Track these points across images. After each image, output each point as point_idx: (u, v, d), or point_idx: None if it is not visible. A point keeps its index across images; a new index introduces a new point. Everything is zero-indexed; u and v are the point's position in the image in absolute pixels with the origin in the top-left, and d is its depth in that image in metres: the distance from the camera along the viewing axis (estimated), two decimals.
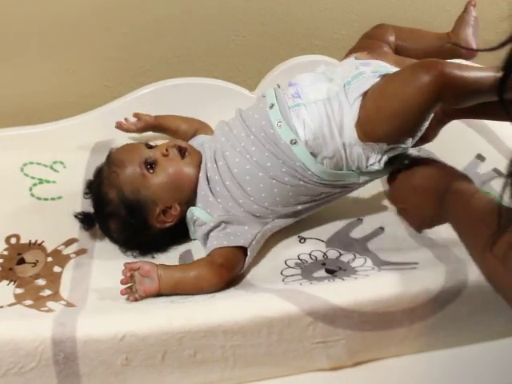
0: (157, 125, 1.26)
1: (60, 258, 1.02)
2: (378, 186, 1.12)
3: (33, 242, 1.06)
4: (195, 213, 1.01)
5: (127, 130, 1.26)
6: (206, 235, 0.99)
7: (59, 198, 1.16)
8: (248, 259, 0.97)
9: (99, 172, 1.05)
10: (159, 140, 1.21)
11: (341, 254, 1.00)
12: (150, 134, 1.27)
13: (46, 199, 1.16)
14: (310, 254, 1.01)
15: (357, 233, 1.05)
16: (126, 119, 1.26)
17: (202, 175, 1.03)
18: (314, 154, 0.97)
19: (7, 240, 1.06)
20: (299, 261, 0.99)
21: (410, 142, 0.94)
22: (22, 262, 1.01)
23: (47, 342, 0.78)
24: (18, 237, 1.06)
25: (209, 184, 1.02)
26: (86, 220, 1.05)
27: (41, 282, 0.97)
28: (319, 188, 0.99)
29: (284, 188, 0.99)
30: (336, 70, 1.02)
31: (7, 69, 1.40)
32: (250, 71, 1.51)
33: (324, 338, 0.85)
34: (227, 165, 1.01)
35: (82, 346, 0.79)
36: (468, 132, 1.24)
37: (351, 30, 1.51)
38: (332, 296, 0.84)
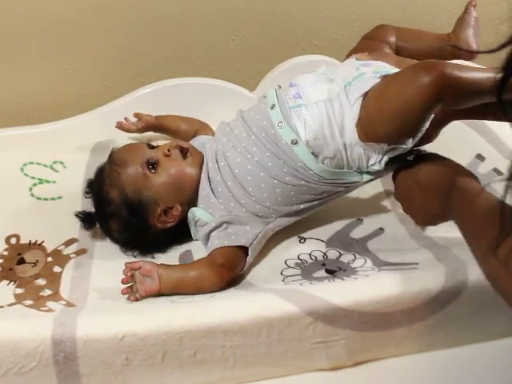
0: (157, 125, 1.26)
1: (60, 258, 1.02)
2: (378, 186, 1.13)
3: (33, 242, 1.06)
4: (196, 213, 1.01)
5: (128, 130, 1.26)
6: (208, 235, 0.99)
7: (59, 198, 1.16)
8: (249, 259, 0.97)
9: (101, 171, 1.05)
10: (160, 140, 1.21)
11: (341, 255, 1.00)
12: (150, 134, 1.27)
13: (46, 199, 1.16)
14: (310, 254, 1.01)
15: (357, 233, 1.05)
16: (126, 119, 1.26)
17: (203, 176, 1.03)
18: (314, 154, 0.97)
19: (7, 240, 1.06)
20: (299, 261, 0.99)
21: (410, 142, 0.94)
22: (21, 262, 1.01)
23: (47, 341, 0.78)
24: (18, 237, 1.06)
25: (210, 184, 1.02)
26: (86, 219, 1.05)
27: (41, 281, 0.97)
28: (321, 187, 0.99)
29: (286, 188, 0.99)
30: (337, 70, 1.02)
31: (7, 69, 1.40)
32: (250, 71, 1.51)
33: (324, 337, 0.85)
34: (228, 165, 1.01)
35: (82, 346, 0.79)
36: (468, 132, 1.24)
37: (351, 30, 1.51)
38: (332, 296, 0.84)
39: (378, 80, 0.95)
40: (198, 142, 1.11)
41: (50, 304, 0.91)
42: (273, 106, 0.99)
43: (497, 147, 1.20)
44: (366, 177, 0.99)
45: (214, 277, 0.93)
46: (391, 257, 0.97)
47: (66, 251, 1.03)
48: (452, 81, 0.86)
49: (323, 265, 0.98)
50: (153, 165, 1.02)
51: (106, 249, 1.04)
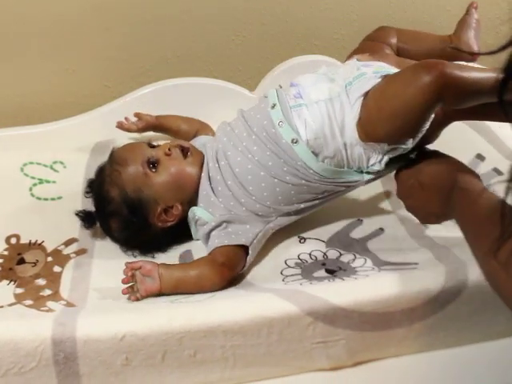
0: (158, 125, 1.26)
1: (60, 258, 1.02)
2: (378, 186, 1.13)
3: (33, 241, 1.06)
4: (197, 213, 1.01)
5: (128, 130, 1.26)
6: (208, 234, 0.99)
7: (59, 198, 1.16)
8: (249, 258, 0.97)
9: (101, 170, 1.05)
10: (161, 140, 1.21)
11: (341, 254, 1.00)
12: (150, 133, 1.27)
13: (46, 199, 1.16)
14: (310, 254, 1.01)
15: (357, 233, 1.05)
16: (126, 118, 1.26)
17: (203, 175, 1.03)
18: (315, 153, 0.97)
19: (7, 240, 1.06)
20: (299, 261, 0.99)
21: (410, 142, 0.94)
22: (22, 261, 1.01)
23: (47, 341, 0.78)
24: (18, 237, 1.06)
25: (211, 184, 1.02)
26: (86, 218, 1.05)
27: (41, 281, 0.97)
28: (322, 186, 0.99)
29: (286, 187, 0.99)
30: (337, 70, 1.02)
31: (7, 69, 1.40)
32: (250, 71, 1.51)
33: (324, 338, 0.85)
34: (229, 164, 1.01)
35: (82, 346, 0.79)
36: (468, 132, 1.24)
37: (351, 30, 1.51)
38: (332, 296, 0.84)
39: (379, 80, 0.95)
40: (199, 143, 1.12)
41: (50, 304, 0.91)
42: (273, 106, 0.99)
43: (497, 147, 1.20)
44: (367, 176, 0.99)
45: (215, 276, 0.93)
46: (391, 256, 0.97)
47: (66, 251, 1.03)
48: (452, 80, 0.87)
49: (323, 264, 0.98)
50: (153, 164, 1.02)
51: (106, 248, 1.04)
